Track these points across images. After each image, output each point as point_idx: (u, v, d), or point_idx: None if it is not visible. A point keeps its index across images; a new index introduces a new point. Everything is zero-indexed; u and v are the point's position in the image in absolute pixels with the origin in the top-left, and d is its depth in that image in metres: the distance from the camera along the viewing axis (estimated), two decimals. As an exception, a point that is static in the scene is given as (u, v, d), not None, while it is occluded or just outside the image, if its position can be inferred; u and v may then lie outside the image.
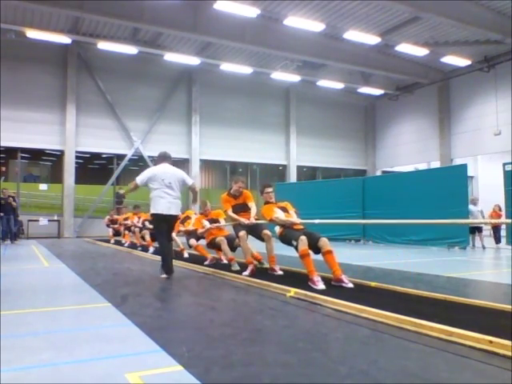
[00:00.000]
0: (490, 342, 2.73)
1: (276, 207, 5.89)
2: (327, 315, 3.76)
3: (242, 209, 6.46)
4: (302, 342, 2.93)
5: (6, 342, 2.92)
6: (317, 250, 5.32)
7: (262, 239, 6.32)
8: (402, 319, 3.34)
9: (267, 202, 6.03)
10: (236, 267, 6.55)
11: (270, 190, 6.04)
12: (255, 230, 6.31)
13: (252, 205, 6.48)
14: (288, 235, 5.46)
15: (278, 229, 5.71)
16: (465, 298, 4.27)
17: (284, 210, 5.86)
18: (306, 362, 2.55)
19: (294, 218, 5.71)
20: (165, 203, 6.03)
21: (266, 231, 6.22)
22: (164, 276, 6.03)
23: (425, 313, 3.51)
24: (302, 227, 5.62)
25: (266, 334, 3.21)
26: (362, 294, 4.49)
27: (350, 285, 5.00)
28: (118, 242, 13.49)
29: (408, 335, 3.10)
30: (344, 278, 5.05)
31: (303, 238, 5.16)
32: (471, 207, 12.48)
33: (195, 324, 3.49)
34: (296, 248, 5.26)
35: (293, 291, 4.59)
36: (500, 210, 13.43)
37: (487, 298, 4.31)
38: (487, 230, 14.86)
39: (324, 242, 5.20)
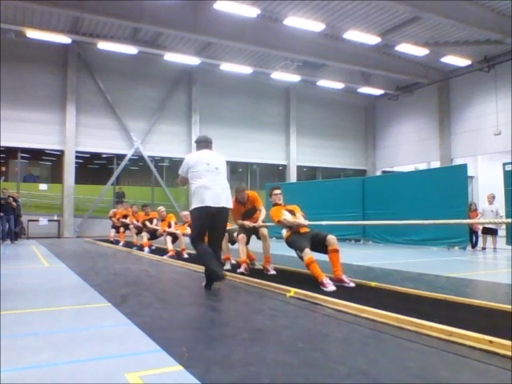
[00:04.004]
0: (490, 341, 2.73)
1: (284, 209, 5.83)
2: (327, 315, 3.76)
3: (252, 214, 6.47)
4: (301, 342, 2.92)
5: (6, 342, 2.92)
6: (324, 250, 5.25)
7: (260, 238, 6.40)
8: (402, 319, 3.34)
9: (275, 204, 5.98)
10: (228, 267, 6.55)
11: (278, 191, 6.05)
12: (255, 230, 6.39)
13: (261, 208, 6.49)
14: (294, 243, 5.35)
15: (285, 232, 5.67)
16: (465, 298, 4.27)
17: (292, 213, 5.79)
18: (305, 362, 2.55)
19: (301, 220, 5.60)
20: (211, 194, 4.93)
21: (263, 230, 6.29)
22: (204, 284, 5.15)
23: (425, 313, 3.52)
24: (308, 230, 5.55)
25: (266, 334, 3.20)
26: (362, 294, 4.49)
27: (352, 284, 5.01)
28: (127, 244, 12.11)
29: (408, 335, 3.10)
30: (344, 277, 5.07)
31: (307, 250, 5.05)
32: (485, 206, 11.89)
33: (195, 324, 3.48)
34: (301, 258, 5.18)
35: (293, 291, 4.59)
36: (476, 208, 12.40)
37: (487, 298, 4.31)
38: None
39: (332, 239, 5.19)
